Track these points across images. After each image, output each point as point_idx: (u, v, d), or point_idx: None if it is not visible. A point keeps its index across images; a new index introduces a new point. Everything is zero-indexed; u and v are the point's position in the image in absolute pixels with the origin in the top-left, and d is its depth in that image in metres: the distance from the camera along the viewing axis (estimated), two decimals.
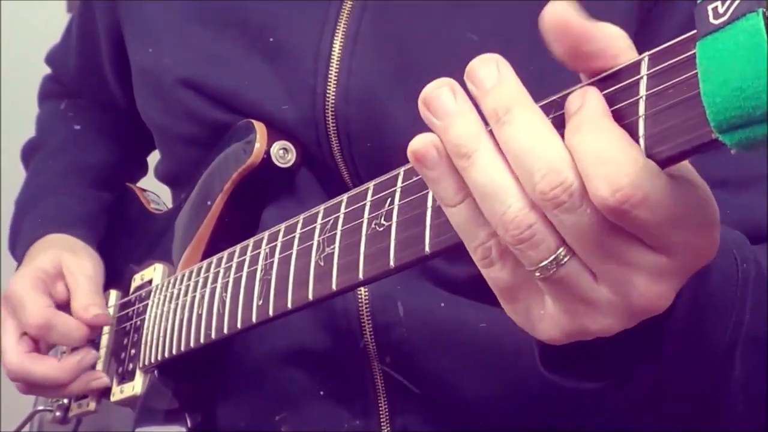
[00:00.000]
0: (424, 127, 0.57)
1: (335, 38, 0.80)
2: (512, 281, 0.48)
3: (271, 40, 0.82)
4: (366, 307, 0.80)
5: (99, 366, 0.93)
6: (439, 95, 0.48)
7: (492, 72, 0.47)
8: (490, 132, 0.47)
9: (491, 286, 0.49)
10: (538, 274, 0.46)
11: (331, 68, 0.79)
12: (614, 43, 0.45)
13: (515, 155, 0.45)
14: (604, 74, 0.47)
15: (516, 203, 0.45)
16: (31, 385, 0.92)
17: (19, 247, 1.02)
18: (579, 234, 0.45)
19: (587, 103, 0.45)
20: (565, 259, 0.46)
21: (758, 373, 0.61)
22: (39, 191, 1.06)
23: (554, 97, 0.49)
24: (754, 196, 0.71)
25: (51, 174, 1.08)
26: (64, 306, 0.93)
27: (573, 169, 0.44)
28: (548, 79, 0.76)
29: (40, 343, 0.93)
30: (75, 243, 0.98)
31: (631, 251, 0.45)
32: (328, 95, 0.79)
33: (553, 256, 0.46)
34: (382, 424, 0.82)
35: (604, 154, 0.43)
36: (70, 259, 0.94)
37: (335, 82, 0.79)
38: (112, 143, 1.12)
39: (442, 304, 0.79)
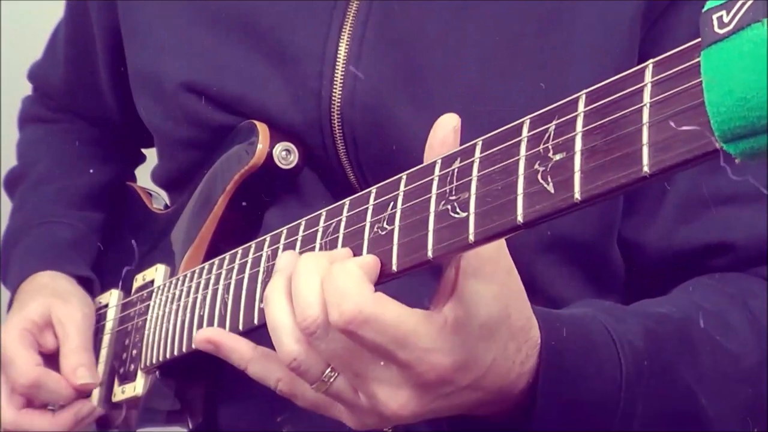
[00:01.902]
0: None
1: (341, 41, 0.79)
2: (314, 400, 0.64)
3: (276, 42, 0.81)
4: None
5: (100, 368, 0.93)
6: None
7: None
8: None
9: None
10: (315, 389, 0.60)
11: (336, 72, 0.79)
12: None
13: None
14: (608, 81, 0.47)
15: (285, 339, 0.59)
16: None
17: (9, 284, 1.00)
18: (332, 357, 0.58)
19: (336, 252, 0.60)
20: (332, 378, 0.60)
21: None
22: (25, 224, 1.03)
23: (548, 109, 0.50)
24: (761, 212, 0.72)
25: (37, 204, 1.04)
26: (54, 355, 0.90)
27: (321, 305, 0.56)
28: (553, 80, 0.77)
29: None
30: (64, 286, 0.95)
31: (371, 368, 0.58)
32: (333, 99, 0.79)
33: (323, 377, 0.60)
34: None
35: (340, 288, 0.55)
36: (59, 308, 0.91)
37: (341, 86, 0.78)
38: (100, 161, 1.09)
39: None
